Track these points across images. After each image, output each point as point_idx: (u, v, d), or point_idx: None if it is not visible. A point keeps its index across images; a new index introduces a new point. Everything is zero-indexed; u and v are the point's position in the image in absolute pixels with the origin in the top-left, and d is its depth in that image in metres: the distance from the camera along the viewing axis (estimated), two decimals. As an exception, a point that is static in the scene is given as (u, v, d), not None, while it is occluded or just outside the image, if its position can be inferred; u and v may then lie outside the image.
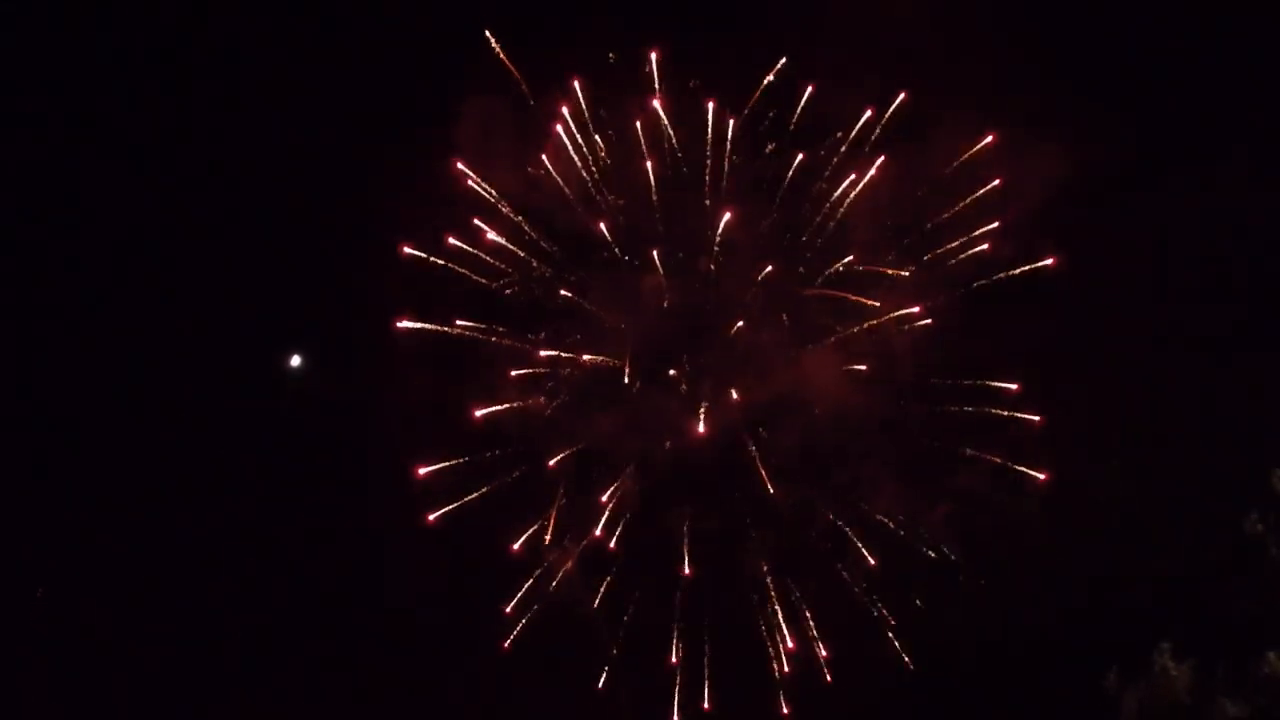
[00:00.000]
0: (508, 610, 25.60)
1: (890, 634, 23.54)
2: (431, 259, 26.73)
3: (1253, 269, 23.58)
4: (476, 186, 26.94)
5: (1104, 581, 21.16)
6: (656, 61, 26.05)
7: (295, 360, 28.28)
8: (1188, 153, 24.03)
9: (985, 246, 25.06)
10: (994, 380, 24.50)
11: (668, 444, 26.38)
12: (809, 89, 25.94)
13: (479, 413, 25.93)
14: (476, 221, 26.73)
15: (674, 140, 26.50)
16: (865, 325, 25.56)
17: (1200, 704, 19.09)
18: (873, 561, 24.24)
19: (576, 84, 26.55)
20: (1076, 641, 20.80)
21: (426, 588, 26.14)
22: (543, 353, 26.72)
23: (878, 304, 25.24)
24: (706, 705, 25.07)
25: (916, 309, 25.10)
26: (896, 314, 25.22)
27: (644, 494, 25.93)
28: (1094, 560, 21.64)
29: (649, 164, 26.31)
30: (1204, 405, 21.81)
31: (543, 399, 26.46)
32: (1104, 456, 22.29)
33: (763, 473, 25.63)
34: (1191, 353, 22.30)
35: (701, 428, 26.00)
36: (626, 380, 25.98)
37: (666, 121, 26.25)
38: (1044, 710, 20.56)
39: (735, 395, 25.98)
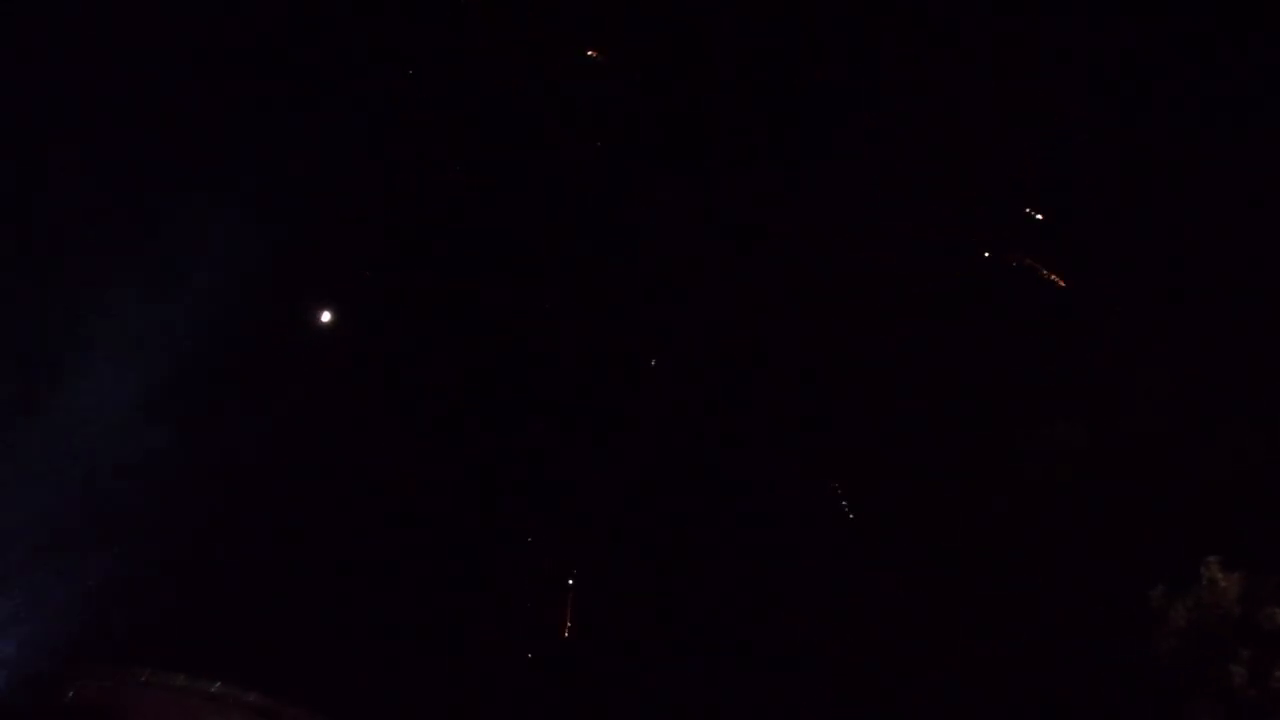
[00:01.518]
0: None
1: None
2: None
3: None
4: None
5: (1149, 497, 20.84)
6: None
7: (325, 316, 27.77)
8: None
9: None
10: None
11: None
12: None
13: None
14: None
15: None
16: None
17: (1249, 614, 18.80)
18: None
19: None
20: (1123, 557, 20.52)
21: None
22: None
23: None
24: None
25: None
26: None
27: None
28: (1138, 475, 21.32)
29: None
30: (1249, 314, 21.28)
31: None
32: (1149, 368, 21.85)
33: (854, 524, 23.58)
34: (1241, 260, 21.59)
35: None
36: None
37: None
38: (1093, 627, 20.33)
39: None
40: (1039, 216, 23.83)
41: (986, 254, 24.11)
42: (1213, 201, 21.68)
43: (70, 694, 22.65)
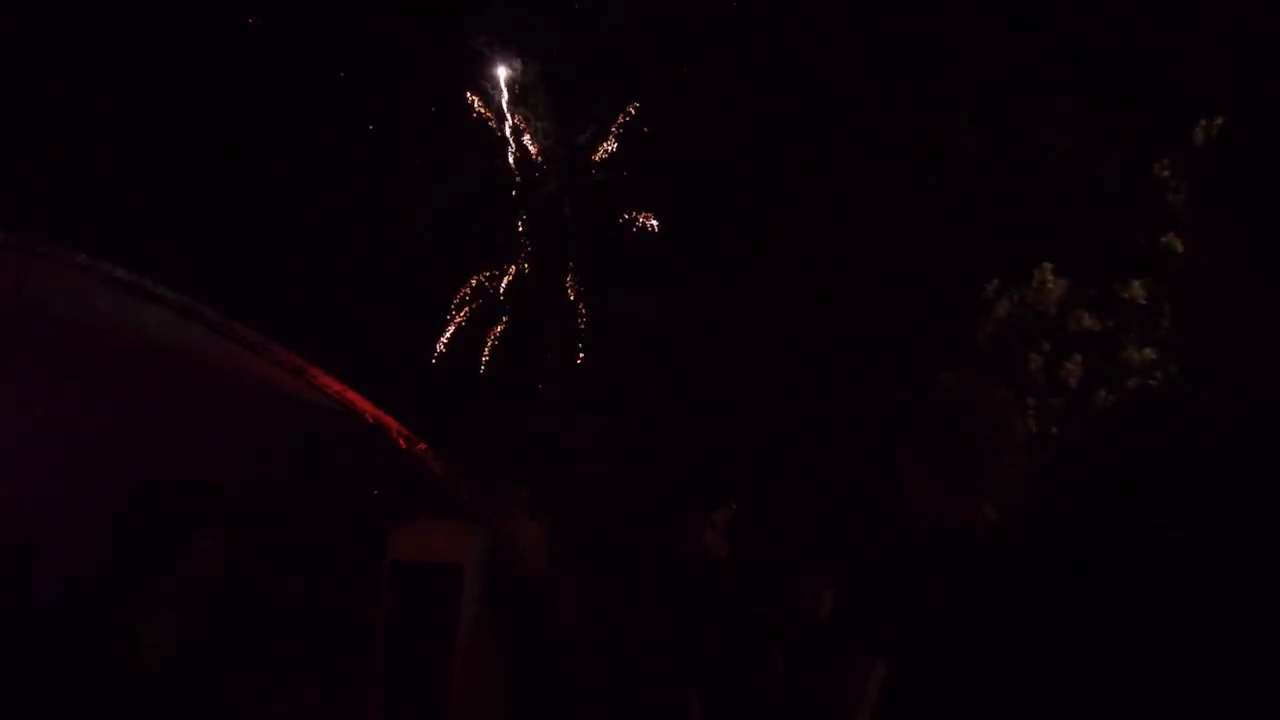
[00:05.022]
0: None
1: None
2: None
3: None
4: None
5: (1005, 201, 22.11)
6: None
7: None
8: None
9: None
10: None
11: None
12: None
13: None
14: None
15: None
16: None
17: (1063, 315, 21.25)
18: None
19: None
20: (966, 254, 22.25)
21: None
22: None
23: None
24: None
25: None
26: None
27: None
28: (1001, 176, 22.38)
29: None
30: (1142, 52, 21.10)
31: None
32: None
33: None
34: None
35: None
36: None
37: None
38: (926, 311, 22.53)
39: None
40: None
41: None
42: None
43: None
